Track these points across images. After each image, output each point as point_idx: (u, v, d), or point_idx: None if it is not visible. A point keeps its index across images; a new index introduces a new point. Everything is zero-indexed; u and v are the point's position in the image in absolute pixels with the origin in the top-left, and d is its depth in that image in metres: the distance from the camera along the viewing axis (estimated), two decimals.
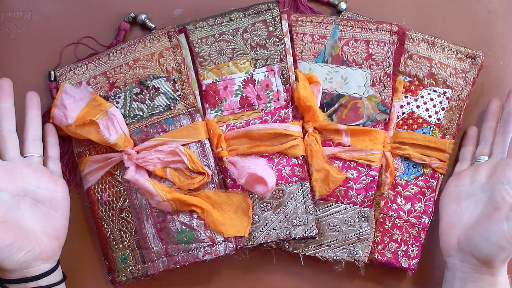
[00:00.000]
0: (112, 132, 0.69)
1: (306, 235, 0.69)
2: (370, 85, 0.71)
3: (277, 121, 0.70)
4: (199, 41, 0.71)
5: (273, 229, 0.70)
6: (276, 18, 0.71)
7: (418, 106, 0.72)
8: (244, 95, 0.71)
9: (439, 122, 0.72)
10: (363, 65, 0.71)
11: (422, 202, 0.72)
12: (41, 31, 0.75)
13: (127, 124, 0.71)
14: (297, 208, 0.69)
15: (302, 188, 0.69)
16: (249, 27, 0.71)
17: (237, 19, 0.71)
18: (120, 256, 0.72)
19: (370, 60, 0.71)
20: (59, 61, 0.75)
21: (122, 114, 0.71)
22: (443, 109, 0.72)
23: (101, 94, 0.71)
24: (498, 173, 0.66)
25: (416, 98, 0.72)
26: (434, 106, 0.72)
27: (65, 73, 0.72)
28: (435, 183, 0.72)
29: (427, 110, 0.72)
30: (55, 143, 0.72)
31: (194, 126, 0.70)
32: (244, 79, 0.71)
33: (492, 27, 0.75)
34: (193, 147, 0.70)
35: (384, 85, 0.71)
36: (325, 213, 0.71)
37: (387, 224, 0.72)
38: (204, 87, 0.71)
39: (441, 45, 0.72)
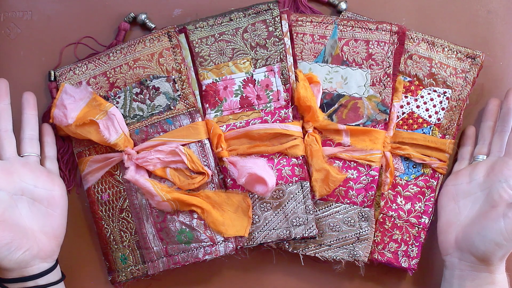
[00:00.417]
0: (112, 132, 0.69)
1: (306, 235, 0.69)
2: (370, 85, 0.71)
3: (277, 121, 0.70)
4: (199, 41, 0.71)
5: (273, 229, 0.70)
6: (276, 18, 0.71)
7: (418, 106, 0.72)
8: (244, 95, 0.71)
9: (439, 122, 0.72)
10: (363, 65, 0.71)
11: (422, 202, 0.72)
12: (41, 31, 0.75)
13: (127, 124, 0.71)
14: (297, 208, 0.69)
15: (302, 188, 0.69)
16: (249, 27, 0.71)
17: (237, 19, 0.71)
18: (120, 256, 0.72)
19: (370, 60, 0.71)
20: (59, 61, 0.75)
21: (122, 114, 0.71)
22: (443, 109, 0.72)
23: (101, 94, 0.71)
24: (496, 171, 0.66)
25: (416, 98, 0.72)
26: (434, 106, 0.72)
27: (65, 73, 0.72)
28: (435, 183, 0.72)
29: (427, 110, 0.72)
30: (52, 142, 0.72)
31: (194, 126, 0.70)
32: (244, 79, 0.71)
33: (492, 27, 0.75)
34: (193, 147, 0.70)
35: (384, 85, 0.71)
36: (325, 213, 0.71)
37: (387, 224, 0.72)
38: (204, 87, 0.71)
39: (441, 45, 0.72)
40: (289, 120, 0.70)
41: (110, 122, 0.69)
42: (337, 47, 0.72)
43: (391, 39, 0.71)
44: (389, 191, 0.72)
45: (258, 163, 0.68)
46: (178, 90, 0.70)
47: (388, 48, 0.71)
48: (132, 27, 0.75)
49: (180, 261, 0.69)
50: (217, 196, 0.69)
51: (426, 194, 0.72)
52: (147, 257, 0.71)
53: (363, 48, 0.71)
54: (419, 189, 0.72)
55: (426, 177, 0.72)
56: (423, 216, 0.72)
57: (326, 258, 0.71)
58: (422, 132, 0.72)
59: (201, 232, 0.69)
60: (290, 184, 0.70)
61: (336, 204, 0.71)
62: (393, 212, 0.72)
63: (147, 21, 0.74)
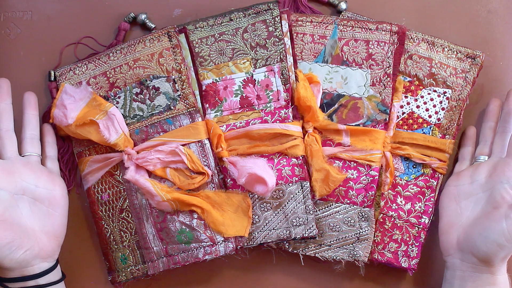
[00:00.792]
0: (112, 132, 0.69)
1: (306, 235, 0.69)
2: (370, 85, 0.71)
3: (277, 121, 0.70)
4: (199, 41, 0.71)
5: (273, 229, 0.70)
6: (276, 18, 0.71)
7: (418, 106, 0.72)
8: (244, 95, 0.71)
9: (439, 122, 0.72)
10: (363, 65, 0.71)
11: (422, 202, 0.72)
12: (41, 31, 0.75)
13: (127, 124, 0.71)
14: (297, 208, 0.69)
15: (302, 188, 0.69)
16: (249, 27, 0.71)
17: (237, 19, 0.71)
18: (120, 256, 0.72)
19: (370, 60, 0.71)
20: (59, 61, 0.75)
21: (122, 114, 0.71)
22: (443, 109, 0.72)
23: (101, 94, 0.71)
24: (498, 172, 0.66)
25: (416, 98, 0.72)
26: (434, 106, 0.72)
27: (65, 73, 0.72)
28: (435, 183, 0.72)
29: (427, 110, 0.72)
30: (53, 142, 0.72)
31: (194, 126, 0.70)
32: (244, 79, 0.71)
33: (492, 27, 0.75)
34: (193, 147, 0.70)
35: (384, 85, 0.71)
36: (325, 213, 0.71)
37: (387, 224, 0.72)
38: (204, 87, 0.71)
39: (441, 45, 0.72)
40: (289, 120, 0.70)
41: (110, 122, 0.69)
42: (337, 47, 0.72)
43: (391, 39, 0.71)
44: (389, 191, 0.72)
45: (258, 163, 0.68)
46: (178, 90, 0.70)
47: (388, 48, 0.71)
48: (132, 27, 0.75)
49: (180, 261, 0.69)
50: (217, 196, 0.69)
51: (426, 194, 0.72)
52: (147, 257, 0.71)
53: (363, 48, 0.71)
54: (419, 189, 0.72)
55: (426, 177, 0.72)
56: (423, 216, 0.72)
57: (326, 258, 0.71)
58: (422, 132, 0.72)
59: (201, 232, 0.69)
60: (290, 184, 0.70)
61: (336, 204, 0.71)
62: (393, 212, 0.72)
63: (147, 21, 0.74)
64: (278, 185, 0.70)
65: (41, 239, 0.66)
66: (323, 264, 0.73)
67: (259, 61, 0.71)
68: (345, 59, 0.71)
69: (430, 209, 0.72)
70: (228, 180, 0.70)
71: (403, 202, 0.72)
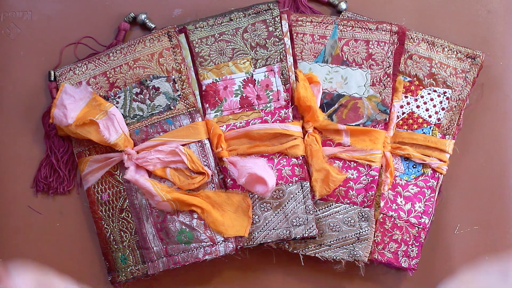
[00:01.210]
0: (112, 132, 0.69)
1: (306, 235, 0.69)
2: (370, 85, 0.71)
3: (277, 121, 0.70)
4: (199, 41, 0.71)
5: (273, 229, 0.70)
6: (276, 18, 0.71)
7: (418, 106, 0.72)
8: (244, 95, 0.71)
9: (439, 122, 0.72)
10: (363, 65, 0.71)
11: (422, 202, 0.72)
12: (41, 31, 0.75)
13: (127, 124, 0.71)
14: (297, 208, 0.69)
15: (302, 188, 0.69)
16: (249, 27, 0.71)
17: (237, 19, 0.71)
18: (120, 256, 0.72)
19: (370, 60, 0.71)
20: (59, 61, 0.75)
21: (122, 114, 0.71)
22: (443, 109, 0.72)
23: (101, 94, 0.71)
24: None
25: (416, 98, 0.72)
26: (434, 106, 0.72)
27: (65, 73, 0.72)
28: (435, 183, 0.72)
29: (427, 110, 0.72)
30: None
31: (194, 126, 0.70)
32: (244, 79, 0.71)
33: (492, 27, 0.75)
34: (193, 147, 0.70)
35: (384, 85, 0.71)
36: (325, 213, 0.71)
37: (387, 224, 0.72)
38: (204, 87, 0.71)
39: (441, 45, 0.72)
40: (289, 120, 0.70)
41: (110, 122, 0.69)
42: (337, 47, 0.72)
43: (391, 39, 0.71)
44: (389, 191, 0.72)
45: (258, 163, 0.68)
46: (178, 90, 0.70)
47: (388, 48, 0.71)
48: (132, 27, 0.75)
49: (180, 261, 0.69)
50: (217, 196, 0.69)
51: (426, 194, 0.72)
52: (147, 257, 0.71)
53: (363, 48, 0.71)
54: (419, 189, 0.72)
55: (426, 177, 0.72)
56: (423, 216, 0.72)
57: (326, 258, 0.71)
58: (422, 132, 0.72)
59: (201, 232, 0.69)
60: (290, 184, 0.70)
61: (336, 204, 0.71)
62: (393, 212, 0.72)
63: (147, 21, 0.74)
64: (278, 185, 0.70)
65: None
66: (323, 264, 0.73)
67: (259, 61, 0.71)
68: (345, 59, 0.71)
69: (430, 209, 0.72)
70: (228, 180, 0.70)
71: (403, 202, 0.72)
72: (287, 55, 0.71)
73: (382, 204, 0.72)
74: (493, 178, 0.75)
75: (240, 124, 0.71)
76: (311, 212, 0.69)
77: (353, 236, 0.70)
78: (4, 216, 0.74)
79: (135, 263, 0.71)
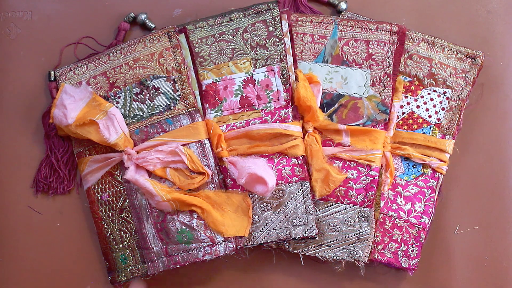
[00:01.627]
0: (112, 132, 0.69)
1: (306, 235, 0.69)
2: (370, 85, 0.71)
3: (277, 121, 0.70)
4: (199, 41, 0.71)
5: (273, 229, 0.70)
6: (276, 18, 0.71)
7: (418, 106, 0.72)
8: (244, 95, 0.71)
9: (439, 122, 0.72)
10: (363, 65, 0.71)
11: (422, 202, 0.72)
12: (41, 31, 0.75)
13: (127, 124, 0.71)
14: (297, 208, 0.69)
15: (302, 188, 0.69)
16: (249, 27, 0.71)
17: (237, 19, 0.71)
18: (120, 256, 0.72)
19: (370, 60, 0.71)
20: (59, 61, 0.75)
21: (122, 114, 0.71)
22: (443, 109, 0.72)
23: (101, 94, 0.71)
24: None
25: (416, 98, 0.72)
26: (434, 106, 0.72)
27: (65, 73, 0.72)
28: (435, 183, 0.72)
29: (427, 110, 0.72)
30: None
31: (194, 126, 0.70)
32: (244, 79, 0.71)
33: (492, 27, 0.75)
34: (193, 147, 0.70)
35: (384, 85, 0.71)
36: (325, 213, 0.71)
37: (387, 224, 0.72)
38: (204, 87, 0.71)
39: (441, 45, 0.72)
40: (289, 120, 0.70)
41: (110, 122, 0.69)
42: (337, 47, 0.72)
43: (391, 39, 0.71)
44: (389, 191, 0.72)
45: (258, 163, 0.68)
46: (178, 90, 0.70)
47: (388, 48, 0.71)
48: (132, 27, 0.75)
49: (180, 261, 0.69)
50: (217, 196, 0.69)
51: (426, 194, 0.72)
52: (147, 257, 0.71)
53: (363, 48, 0.71)
54: (419, 189, 0.72)
55: (426, 177, 0.72)
56: (423, 216, 0.72)
57: (326, 258, 0.71)
58: (422, 132, 0.72)
59: (201, 232, 0.69)
60: (290, 184, 0.70)
61: (336, 204, 0.71)
62: (393, 212, 0.72)
63: (147, 21, 0.74)
64: (278, 185, 0.70)
65: None
66: (323, 264, 0.73)
67: (259, 61, 0.71)
68: (345, 59, 0.71)
69: (430, 209, 0.72)
70: (228, 180, 0.70)
71: (403, 202, 0.72)
72: (287, 55, 0.71)
73: (382, 204, 0.72)
74: (493, 178, 0.75)
75: (240, 124, 0.71)
76: (311, 212, 0.69)
77: (353, 236, 0.70)
78: (4, 216, 0.74)
79: (135, 263, 0.71)
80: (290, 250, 0.71)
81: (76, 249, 0.74)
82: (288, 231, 0.69)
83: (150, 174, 0.70)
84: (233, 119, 0.71)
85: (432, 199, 0.72)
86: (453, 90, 0.72)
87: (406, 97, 0.72)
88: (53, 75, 0.73)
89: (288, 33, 0.71)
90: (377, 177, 0.70)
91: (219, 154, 0.70)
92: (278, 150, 0.70)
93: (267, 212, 0.70)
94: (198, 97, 0.71)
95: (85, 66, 0.72)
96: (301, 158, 0.70)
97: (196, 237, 0.69)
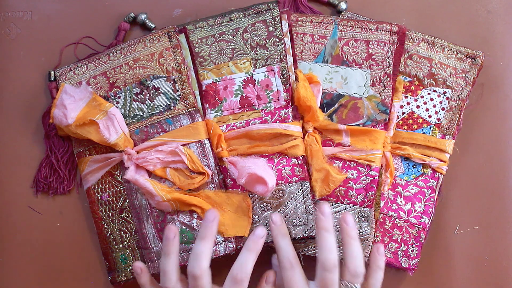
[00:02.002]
0: (112, 132, 0.69)
1: (306, 235, 0.69)
2: (370, 85, 0.71)
3: (277, 121, 0.70)
4: (199, 41, 0.71)
5: None
6: (276, 18, 0.71)
7: (418, 106, 0.72)
8: (244, 95, 0.71)
9: (439, 122, 0.72)
10: (363, 65, 0.71)
11: (422, 202, 0.72)
12: (41, 31, 0.75)
13: (127, 124, 0.71)
14: (297, 208, 0.69)
15: (302, 188, 0.69)
16: (249, 27, 0.71)
17: (237, 19, 0.71)
18: (120, 256, 0.72)
19: (370, 60, 0.71)
20: (59, 61, 0.75)
21: (122, 114, 0.71)
22: (443, 109, 0.72)
23: (101, 94, 0.71)
24: None
25: (416, 98, 0.72)
26: (434, 106, 0.72)
27: (65, 73, 0.72)
28: (435, 183, 0.72)
29: (427, 110, 0.72)
30: None
31: (194, 126, 0.70)
32: (244, 79, 0.71)
33: (492, 27, 0.76)
34: (193, 147, 0.70)
35: (384, 85, 0.71)
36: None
37: (387, 224, 0.72)
38: (204, 87, 0.71)
39: (441, 45, 0.72)
40: (289, 120, 0.70)
41: (110, 122, 0.69)
42: (337, 47, 0.72)
43: (391, 39, 0.71)
44: (389, 191, 0.72)
45: (258, 163, 0.68)
46: (178, 90, 0.70)
47: (388, 48, 0.71)
48: (132, 27, 0.75)
49: (180, 261, 0.69)
50: (217, 196, 0.69)
51: (426, 194, 0.72)
52: (147, 257, 0.71)
53: (363, 48, 0.71)
54: (419, 189, 0.72)
55: (426, 177, 0.72)
56: (423, 216, 0.72)
57: None
58: (422, 132, 0.72)
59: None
60: (290, 184, 0.70)
61: (336, 204, 0.71)
62: (393, 212, 0.72)
63: (147, 21, 0.74)
64: (278, 185, 0.70)
65: None
66: None
67: (259, 61, 0.71)
68: (345, 59, 0.72)
69: (430, 209, 0.72)
70: (228, 180, 0.70)
71: (403, 202, 0.72)
72: (287, 55, 0.71)
73: (382, 204, 0.72)
74: (493, 178, 0.75)
75: (240, 124, 0.71)
76: (311, 212, 0.69)
77: None
78: (4, 216, 0.74)
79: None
80: None
81: (76, 249, 0.74)
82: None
83: (150, 174, 0.70)
84: (233, 119, 0.71)
85: (432, 199, 0.72)
86: (453, 90, 0.72)
87: (406, 97, 0.72)
88: (53, 75, 0.73)
89: (288, 33, 0.71)
90: (377, 177, 0.70)
91: (219, 154, 0.70)
92: (278, 150, 0.70)
93: (267, 212, 0.70)
94: (198, 97, 0.71)
95: (85, 66, 0.72)
96: (301, 158, 0.70)
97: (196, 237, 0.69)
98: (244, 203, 0.69)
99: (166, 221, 0.70)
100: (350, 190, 0.71)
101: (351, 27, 0.72)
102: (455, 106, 0.72)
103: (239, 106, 0.71)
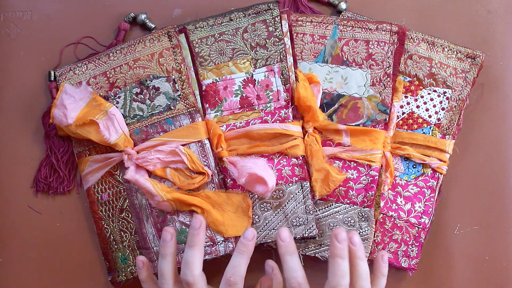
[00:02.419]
0: (112, 132, 0.69)
1: (306, 235, 0.69)
2: (370, 85, 0.71)
3: (277, 121, 0.70)
4: (199, 41, 0.71)
5: (273, 229, 0.70)
6: (276, 18, 0.71)
7: (418, 106, 0.72)
8: (244, 95, 0.71)
9: (439, 122, 0.72)
10: (363, 65, 0.71)
11: (422, 202, 0.72)
12: (41, 31, 0.75)
13: (127, 124, 0.71)
14: (297, 208, 0.69)
15: (302, 188, 0.69)
16: (249, 27, 0.71)
17: (237, 19, 0.71)
18: (120, 256, 0.72)
19: (370, 60, 0.71)
20: (59, 61, 0.75)
21: (122, 114, 0.71)
22: (443, 109, 0.72)
23: (101, 94, 0.71)
24: None
25: (416, 98, 0.72)
26: (434, 106, 0.72)
27: (65, 73, 0.72)
28: (435, 183, 0.72)
29: (427, 110, 0.72)
30: None
31: (194, 126, 0.70)
32: (244, 79, 0.71)
33: (492, 27, 0.76)
34: (193, 147, 0.70)
35: (384, 85, 0.71)
36: (325, 213, 0.71)
37: (387, 224, 0.72)
38: (204, 87, 0.71)
39: (441, 45, 0.72)
40: (289, 120, 0.70)
41: (110, 122, 0.69)
42: (337, 47, 0.72)
43: (391, 39, 0.71)
44: (389, 191, 0.72)
45: (258, 163, 0.68)
46: (178, 90, 0.70)
47: (388, 48, 0.71)
48: (132, 27, 0.75)
49: (180, 261, 0.69)
50: (217, 196, 0.69)
51: (426, 194, 0.72)
52: (147, 257, 0.71)
53: (363, 48, 0.71)
54: (419, 189, 0.72)
55: (426, 177, 0.72)
56: (423, 216, 0.72)
57: (326, 258, 0.71)
58: (422, 132, 0.72)
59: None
60: (290, 184, 0.70)
61: (336, 204, 0.71)
62: (393, 212, 0.72)
63: (147, 21, 0.74)
64: (278, 185, 0.70)
65: None
66: (323, 264, 0.72)
67: (259, 61, 0.71)
68: (345, 59, 0.72)
69: (430, 209, 0.72)
70: (228, 180, 0.70)
71: (403, 202, 0.72)
72: (287, 55, 0.71)
73: (382, 204, 0.72)
74: (493, 178, 0.75)
75: (240, 124, 0.71)
76: (311, 212, 0.69)
77: None
78: (4, 216, 0.74)
79: (135, 263, 0.71)
80: None
81: (76, 249, 0.74)
82: None
83: (150, 174, 0.70)
84: (233, 119, 0.71)
85: (432, 199, 0.72)
86: (453, 90, 0.72)
87: (406, 97, 0.72)
88: (53, 75, 0.73)
89: (288, 33, 0.71)
90: (377, 177, 0.70)
91: (219, 154, 0.70)
92: (278, 150, 0.70)
93: (267, 212, 0.70)
94: (198, 97, 0.71)
95: (85, 66, 0.72)
96: (301, 158, 0.70)
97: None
98: (244, 203, 0.69)
99: (166, 221, 0.70)
100: (350, 190, 0.71)
101: (351, 27, 0.72)
102: (455, 106, 0.72)
103: (239, 106, 0.71)
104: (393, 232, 0.72)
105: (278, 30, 0.71)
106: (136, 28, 0.75)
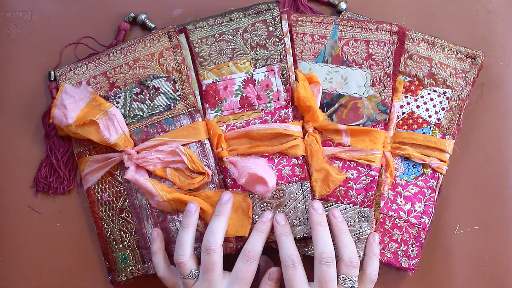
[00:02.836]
0: (112, 132, 0.69)
1: (306, 235, 0.69)
2: (370, 85, 0.71)
3: (277, 121, 0.70)
4: (199, 41, 0.71)
5: (273, 229, 0.70)
6: (276, 18, 0.71)
7: (418, 106, 0.72)
8: (244, 95, 0.71)
9: (439, 122, 0.72)
10: (363, 65, 0.71)
11: (422, 202, 0.72)
12: (41, 31, 0.75)
13: (127, 124, 0.71)
14: (297, 208, 0.69)
15: (302, 188, 0.69)
16: (249, 27, 0.71)
17: (237, 19, 0.71)
18: (120, 256, 0.72)
19: (370, 60, 0.71)
20: (59, 61, 0.75)
21: (122, 114, 0.71)
22: (443, 109, 0.72)
23: (101, 94, 0.71)
24: None
25: (416, 98, 0.72)
26: (434, 106, 0.72)
27: (65, 73, 0.72)
28: (435, 183, 0.72)
29: (427, 110, 0.72)
30: None
31: (194, 126, 0.70)
32: (244, 79, 0.71)
33: (492, 27, 0.76)
34: (193, 147, 0.70)
35: (384, 85, 0.71)
36: (325, 213, 0.71)
37: (387, 224, 0.72)
38: (204, 87, 0.71)
39: (441, 45, 0.72)
40: (289, 120, 0.70)
41: (110, 122, 0.69)
42: (337, 47, 0.72)
43: (391, 39, 0.71)
44: (389, 191, 0.72)
45: (258, 163, 0.68)
46: (178, 90, 0.70)
47: (388, 48, 0.71)
48: (132, 27, 0.75)
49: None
50: (217, 196, 0.69)
51: (426, 194, 0.72)
52: (147, 257, 0.71)
53: (363, 48, 0.71)
54: (419, 189, 0.72)
55: (426, 177, 0.72)
56: (423, 216, 0.72)
57: None
58: (422, 132, 0.72)
59: (201, 232, 0.69)
60: (290, 184, 0.70)
61: (336, 204, 0.71)
62: (393, 212, 0.72)
63: (147, 21, 0.74)
64: (278, 185, 0.70)
65: None
66: None
67: (259, 61, 0.71)
68: (345, 59, 0.72)
69: (430, 209, 0.72)
70: (228, 180, 0.70)
71: (403, 202, 0.72)
72: (287, 55, 0.71)
73: (382, 204, 0.72)
74: (493, 178, 0.75)
75: (240, 124, 0.71)
76: None
77: (353, 236, 0.70)
78: (4, 216, 0.74)
79: (135, 263, 0.71)
80: None
81: (76, 249, 0.74)
82: None
83: (150, 174, 0.70)
84: (233, 119, 0.71)
85: (432, 199, 0.72)
86: (453, 90, 0.72)
87: (406, 97, 0.72)
88: (53, 75, 0.73)
89: (288, 33, 0.71)
90: (377, 177, 0.70)
91: (219, 154, 0.70)
92: (278, 150, 0.70)
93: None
94: (198, 97, 0.71)
95: (85, 66, 0.72)
96: (301, 158, 0.70)
97: (196, 237, 0.69)
98: (244, 203, 0.69)
99: (166, 221, 0.70)
100: (350, 190, 0.71)
101: (351, 27, 0.72)
102: (455, 106, 0.72)
103: (239, 106, 0.71)
104: (393, 232, 0.72)
105: (278, 30, 0.71)
106: (136, 28, 0.75)
